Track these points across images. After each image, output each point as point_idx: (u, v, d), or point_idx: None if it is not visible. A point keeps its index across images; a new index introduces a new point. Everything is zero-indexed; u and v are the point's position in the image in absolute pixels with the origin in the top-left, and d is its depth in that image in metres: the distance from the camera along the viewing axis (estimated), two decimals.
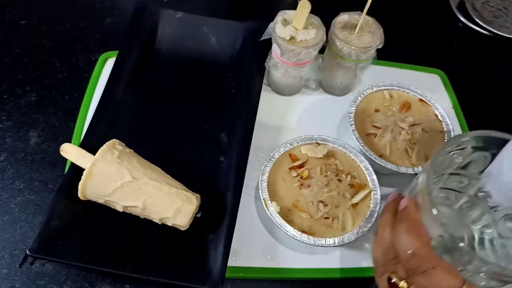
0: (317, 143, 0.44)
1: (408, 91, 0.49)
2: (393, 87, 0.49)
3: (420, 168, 0.42)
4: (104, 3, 0.60)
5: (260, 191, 0.39)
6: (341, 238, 0.38)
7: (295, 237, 0.37)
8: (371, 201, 0.41)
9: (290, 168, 0.42)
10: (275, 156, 0.42)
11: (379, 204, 0.40)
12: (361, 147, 0.43)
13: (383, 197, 0.41)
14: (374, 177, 0.42)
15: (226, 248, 0.37)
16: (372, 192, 0.41)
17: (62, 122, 0.48)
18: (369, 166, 0.42)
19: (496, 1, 0.68)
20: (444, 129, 0.46)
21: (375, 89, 0.48)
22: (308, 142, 0.44)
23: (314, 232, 0.38)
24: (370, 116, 0.47)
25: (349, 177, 0.42)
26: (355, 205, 0.40)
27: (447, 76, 0.57)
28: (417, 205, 0.29)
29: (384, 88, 0.49)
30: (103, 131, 0.44)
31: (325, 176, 0.42)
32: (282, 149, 0.43)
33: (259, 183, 0.40)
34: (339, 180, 0.42)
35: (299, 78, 0.50)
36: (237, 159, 0.43)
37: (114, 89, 0.47)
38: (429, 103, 0.48)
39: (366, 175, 0.42)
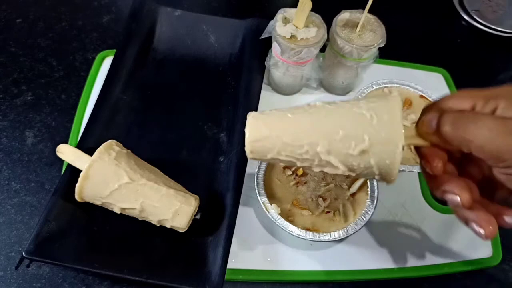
0: None
1: (409, 87, 0.48)
2: (393, 84, 0.48)
3: None
4: (101, 1, 0.60)
5: (258, 195, 0.39)
6: (346, 230, 0.37)
7: (300, 236, 0.37)
8: (368, 189, 0.40)
9: (284, 167, 0.42)
10: None
11: (376, 191, 0.40)
12: None
13: (380, 185, 0.41)
14: None
15: (225, 250, 0.36)
16: (368, 180, 0.41)
17: (59, 122, 0.47)
18: None
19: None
20: None
21: (375, 87, 0.48)
22: None
23: (318, 228, 0.38)
24: None
25: None
26: (353, 195, 0.40)
27: (450, 75, 0.56)
28: None
29: (384, 85, 0.48)
30: (100, 131, 0.43)
31: None
32: None
33: (255, 187, 0.39)
34: None
35: (300, 77, 0.49)
36: (237, 159, 0.42)
37: (111, 88, 0.47)
38: (430, 99, 0.48)
39: None
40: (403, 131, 0.25)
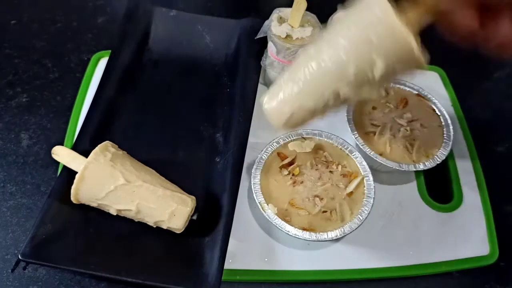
0: (303, 137, 0.44)
1: (404, 86, 0.49)
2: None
3: (421, 165, 0.42)
4: (96, 2, 0.59)
5: (254, 195, 0.39)
6: (342, 230, 0.37)
7: (297, 236, 0.37)
8: (365, 188, 0.40)
9: (281, 167, 0.42)
10: (263, 157, 0.42)
11: (373, 190, 0.40)
12: (361, 147, 0.42)
13: (376, 184, 0.41)
14: (364, 163, 0.42)
15: (222, 251, 0.36)
16: (364, 179, 0.41)
17: (54, 124, 0.47)
18: (357, 153, 0.42)
19: None
20: (442, 123, 0.46)
21: None
22: (294, 138, 0.43)
23: (314, 228, 0.38)
24: (367, 114, 0.46)
25: (339, 167, 0.42)
26: (350, 194, 0.40)
27: (446, 74, 0.56)
28: None
29: None
30: (95, 133, 0.43)
31: (316, 169, 0.41)
32: (269, 149, 0.42)
33: (252, 187, 0.39)
34: (330, 171, 0.41)
35: None
36: (233, 160, 0.42)
37: (107, 89, 0.46)
38: (425, 97, 0.48)
39: (356, 162, 0.42)
40: (404, 28, 0.27)
